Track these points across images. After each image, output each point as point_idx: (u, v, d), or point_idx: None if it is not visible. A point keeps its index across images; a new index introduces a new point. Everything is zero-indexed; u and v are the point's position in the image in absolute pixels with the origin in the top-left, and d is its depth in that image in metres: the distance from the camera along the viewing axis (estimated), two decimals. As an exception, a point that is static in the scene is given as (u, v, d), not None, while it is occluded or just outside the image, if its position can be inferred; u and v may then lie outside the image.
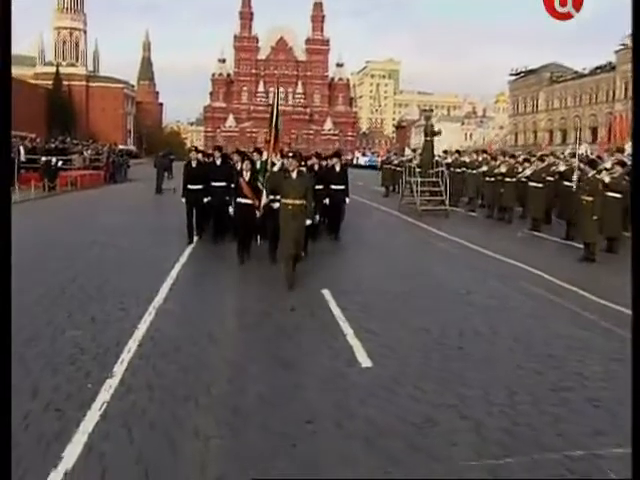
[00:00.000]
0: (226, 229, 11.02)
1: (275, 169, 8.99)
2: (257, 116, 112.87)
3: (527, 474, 3.36)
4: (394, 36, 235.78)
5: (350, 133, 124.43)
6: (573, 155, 17.03)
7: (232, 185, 9.69)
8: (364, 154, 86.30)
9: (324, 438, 3.72)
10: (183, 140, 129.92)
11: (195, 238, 11.03)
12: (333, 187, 11.47)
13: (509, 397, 4.43)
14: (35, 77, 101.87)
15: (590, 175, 10.99)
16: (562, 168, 14.90)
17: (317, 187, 9.99)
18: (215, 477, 3.26)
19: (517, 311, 7.09)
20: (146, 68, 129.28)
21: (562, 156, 19.49)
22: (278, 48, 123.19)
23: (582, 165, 12.93)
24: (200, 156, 11.38)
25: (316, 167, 11.33)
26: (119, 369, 4.78)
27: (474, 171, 18.69)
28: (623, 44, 61.56)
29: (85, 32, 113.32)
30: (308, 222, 7.92)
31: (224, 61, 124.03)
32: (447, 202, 17.32)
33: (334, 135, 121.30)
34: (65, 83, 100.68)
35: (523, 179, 15.31)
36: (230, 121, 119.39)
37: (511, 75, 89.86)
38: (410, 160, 20.63)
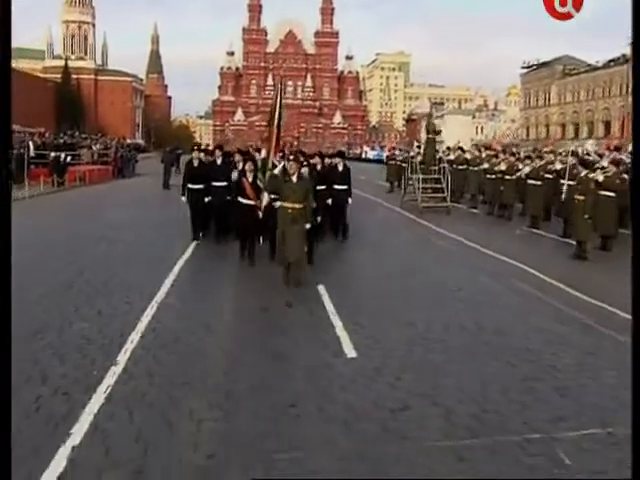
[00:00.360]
0: (228, 229, 11.00)
1: (275, 172, 8.82)
2: (266, 110, 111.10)
3: (487, 454, 3.73)
4: (404, 28, 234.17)
5: (359, 127, 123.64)
6: (571, 154, 17.33)
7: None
8: (373, 148, 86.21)
9: (306, 421, 4.11)
10: (192, 134, 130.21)
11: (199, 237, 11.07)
12: (336, 187, 11.39)
13: (482, 386, 4.79)
14: (44, 71, 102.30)
15: (582, 175, 11.24)
16: (558, 166, 15.18)
17: (319, 187, 10.02)
18: (206, 455, 3.64)
19: (503, 307, 7.40)
20: (155, 61, 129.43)
21: (564, 153, 19.75)
22: (287, 41, 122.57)
23: (574, 162, 13.22)
24: (202, 155, 11.31)
25: (319, 167, 11.24)
26: (122, 358, 5.18)
27: (476, 168, 18.91)
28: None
29: (94, 25, 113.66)
30: (308, 226, 7.86)
31: (233, 54, 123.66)
32: (448, 199, 17.55)
33: (343, 129, 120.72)
34: (74, 77, 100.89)
35: (522, 177, 15.59)
36: (239, 115, 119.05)
37: (523, 68, 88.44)
38: (414, 156, 20.85)
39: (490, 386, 4.80)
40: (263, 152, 9.88)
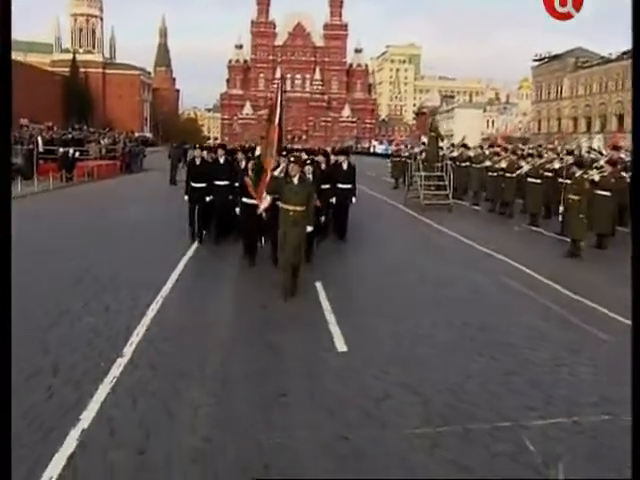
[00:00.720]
0: (229, 229, 11.01)
1: (276, 173, 8.52)
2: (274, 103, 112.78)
3: (459, 440, 4.08)
4: (415, 20, 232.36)
5: (368, 120, 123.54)
6: (569, 153, 17.60)
7: (236, 184, 9.61)
8: (381, 142, 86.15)
9: (295, 408, 4.49)
10: (200, 127, 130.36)
11: (197, 240, 10.97)
12: (340, 186, 11.24)
13: (461, 379, 5.14)
14: (52, 64, 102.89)
15: (577, 175, 11.50)
16: (557, 165, 15.45)
17: (324, 186, 9.96)
18: (202, 437, 4.02)
19: (490, 304, 7.72)
20: (163, 54, 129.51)
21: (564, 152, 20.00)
22: (295, 34, 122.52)
23: (572, 161, 13.50)
24: (204, 154, 11.19)
25: (323, 166, 11.10)
26: (128, 350, 5.57)
27: (478, 165, 19.10)
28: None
29: (102, 19, 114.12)
30: (309, 229, 7.73)
31: (241, 47, 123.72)
32: (451, 196, 17.79)
33: (352, 122, 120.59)
34: (82, 70, 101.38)
35: (522, 175, 15.83)
36: (247, 108, 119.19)
37: (535, 60, 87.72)
38: (419, 153, 21.02)
39: (469, 378, 5.15)
40: (259, 149, 9.78)
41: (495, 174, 17.01)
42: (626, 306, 7.00)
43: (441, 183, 18.22)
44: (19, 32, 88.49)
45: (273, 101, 9.47)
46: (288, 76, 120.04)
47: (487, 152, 21.06)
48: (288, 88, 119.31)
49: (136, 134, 69.65)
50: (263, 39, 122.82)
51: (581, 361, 5.71)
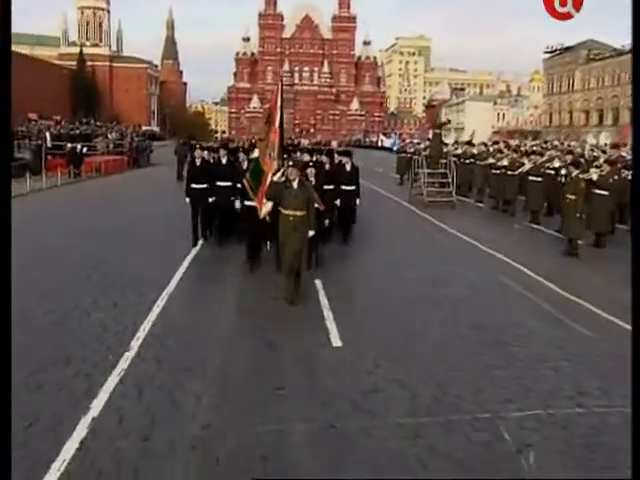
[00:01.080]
0: (232, 230, 10.86)
1: (276, 178, 8.23)
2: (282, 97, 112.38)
3: (441, 429, 4.41)
4: (424, 11, 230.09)
5: (377, 113, 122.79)
6: (568, 152, 17.83)
7: (238, 185, 9.43)
8: (388, 136, 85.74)
9: (290, 400, 4.82)
10: (207, 120, 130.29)
11: (200, 241, 10.93)
12: (344, 187, 11.03)
13: (448, 373, 5.46)
14: (59, 58, 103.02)
15: (573, 175, 11.71)
16: (557, 164, 15.67)
17: (327, 187, 9.78)
18: (202, 425, 4.37)
19: (485, 303, 7.95)
20: (170, 47, 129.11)
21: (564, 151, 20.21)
22: (303, 26, 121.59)
23: (570, 160, 13.71)
24: (205, 154, 10.93)
25: (327, 166, 10.97)
26: (135, 344, 5.93)
27: (482, 163, 19.24)
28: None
29: (108, 11, 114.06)
30: (311, 233, 7.55)
31: (248, 40, 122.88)
32: (454, 193, 17.96)
33: (361, 116, 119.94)
34: (89, 64, 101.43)
35: (524, 172, 16.03)
36: (255, 102, 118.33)
37: (546, 52, 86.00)
38: (424, 149, 21.15)
39: (456, 373, 5.46)
40: (256, 152, 9.59)
41: (498, 172, 17.19)
42: (614, 304, 7.38)
43: (444, 180, 18.33)
44: (26, 25, 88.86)
45: (272, 103, 9.15)
46: (296, 69, 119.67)
47: (491, 149, 21.28)
48: (296, 81, 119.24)
49: (143, 128, 70.09)
50: (271, 31, 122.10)
51: (564, 357, 5.98)
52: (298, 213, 7.30)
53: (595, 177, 12.30)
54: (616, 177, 12.76)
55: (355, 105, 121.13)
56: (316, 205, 7.99)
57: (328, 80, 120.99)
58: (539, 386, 5.24)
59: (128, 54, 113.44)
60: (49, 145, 26.40)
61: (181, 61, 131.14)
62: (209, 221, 11.14)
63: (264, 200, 8.13)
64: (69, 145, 25.79)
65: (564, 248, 11.18)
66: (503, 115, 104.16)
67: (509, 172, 16.41)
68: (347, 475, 3.81)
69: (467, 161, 20.44)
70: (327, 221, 9.57)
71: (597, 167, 13.02)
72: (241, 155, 10.69)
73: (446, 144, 24.20)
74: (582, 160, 15.73)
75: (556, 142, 36.60)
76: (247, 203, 8.93)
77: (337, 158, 12.00)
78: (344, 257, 10.66)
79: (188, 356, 5.69)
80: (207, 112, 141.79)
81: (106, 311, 6.99)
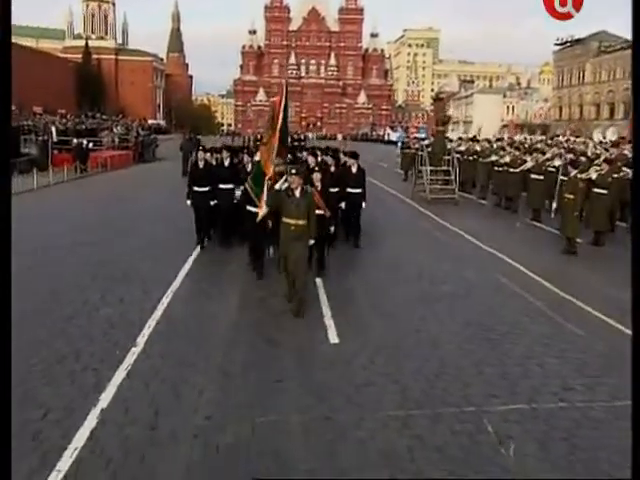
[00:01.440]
0: (234, 233, 10.78)
1: (277, 186, 8.04)
2: (289, 90, 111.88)
3: (428, 421, 4.69)
4: (433, 2, 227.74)
5: (384, 107, 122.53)
6: (569, 151, 18.00)
7: (241, 187, 9.34)
8: (395, 129, 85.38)
9: (287, 394, 5.11)
10: (213, 113, 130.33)
11: (205, 242, 10.88)
12: (350, 190, 10.83)
13: (438, 369, 5.73)
14: (64, 51, 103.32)
15: (572, 175, 11.90)
16: (557, 163, 15.82)
17: (332, 190, 9.60)
18: (204, 416, 4.68)
19: (480, 301, 8.14)
20: (175, 39, 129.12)
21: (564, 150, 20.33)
22: (310, 18, 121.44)
23: (569, 160, 13.89)
24: (208, 155, 10.74)
25: (332, 168, 10.85)
26: (141, 340, 6.22)
27: (485, 160, 19.34)
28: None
29: (114, 4, 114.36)
30: (311, 242, 7.46)
31: (255, 32, 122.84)
32: (457, 190, 18.14)
33: (368, 109, 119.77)
34: (94, 57, 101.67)
35: (525, 170, 16.17)
36: (261, 95, 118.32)
37: (556, 45, 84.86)
38: (428, 146, 21.27)
39: (446, 369, 5.74)
40: (258, 155, 9.45)
41: (500, 169, 17.32)
42: (608, 303, 7.62)
43: (447, 177, 18.49)
44: (31, 18, 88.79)
45: (277, 105, 8.74)
46: (302, 62, 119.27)
47: (494, 146, 21.41)
48: (302, 74, 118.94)
49: (149, 121, 70.38)
50: (277, 24, 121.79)
51: (552, 354, 6.21)
52: (300, 222, 7.18)
53: (594, 176, 12.49)
54: (615, 176, 12.94)
55: (362, 98, 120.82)
56: (322, 211, 8.05)
57: (335, 73, 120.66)
58: (525, 382, 5.50)
59: (133, 47, 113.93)
60: (55, 140, 26.69)
61: (187, 54, 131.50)
62: (212, 224, 11.10)
63: (263, 204, 8.03)
64: (75, 140, 26.08)
65: (563, 246, 11.35)
66: (512, 108, 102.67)
67: (511, 169, 16.58)
68: (338, 463, 4.09)
69: (470, 158, 20.59)
70: (332, 228, 9.39)
71: (597, 166, 13.21)
72: (245, 157, 10.75)
73: (450, 140, 24.32)
74: (584, 159, 15.93)
75: (560, 137, 36.57)
76: (249, 208, 8.70)
77: (343, 159, 11.84)
78: (345, 256, 10.78)
79: (191, 352, 5.97)
80: (213, 105, 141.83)
81: (113, 308, 7.29)
